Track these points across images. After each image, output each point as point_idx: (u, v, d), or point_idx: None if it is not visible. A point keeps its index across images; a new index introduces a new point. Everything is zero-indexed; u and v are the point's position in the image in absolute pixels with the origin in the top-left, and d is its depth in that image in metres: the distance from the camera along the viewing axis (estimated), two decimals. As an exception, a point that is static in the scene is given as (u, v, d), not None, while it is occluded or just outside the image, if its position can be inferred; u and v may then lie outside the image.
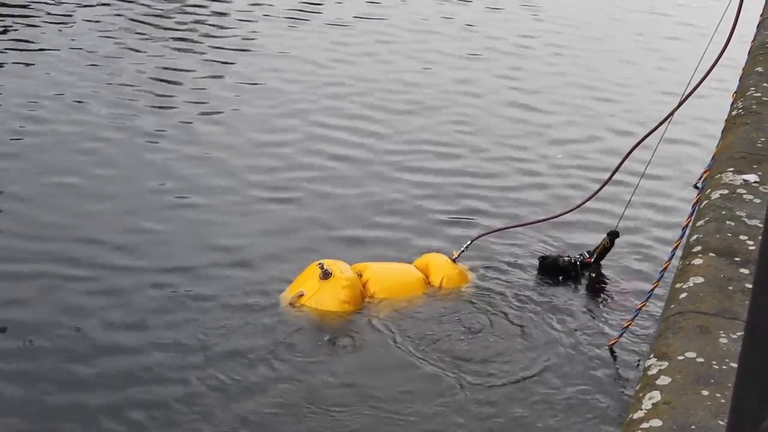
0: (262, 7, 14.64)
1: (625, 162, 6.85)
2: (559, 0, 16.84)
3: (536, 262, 7.47)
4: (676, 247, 5.58)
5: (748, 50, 6.51)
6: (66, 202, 8.13)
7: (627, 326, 6.37)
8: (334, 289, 6.65)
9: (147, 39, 12.70)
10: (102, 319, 6.61)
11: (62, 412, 5.66)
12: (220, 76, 11.56)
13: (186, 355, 6.24)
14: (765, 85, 5.42)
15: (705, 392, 2.70)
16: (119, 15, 13.59)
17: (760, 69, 5.80)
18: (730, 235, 3.62)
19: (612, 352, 6.41)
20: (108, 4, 13.97)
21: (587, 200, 7.30)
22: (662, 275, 5.91)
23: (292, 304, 6.65)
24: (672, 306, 3.23)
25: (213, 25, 13.64)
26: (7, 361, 6.03)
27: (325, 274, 6.66)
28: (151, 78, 11.17)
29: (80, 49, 12.01)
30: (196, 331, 6.49)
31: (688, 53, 10.94)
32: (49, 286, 6.82)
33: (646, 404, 2.71)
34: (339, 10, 15.04)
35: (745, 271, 3.28)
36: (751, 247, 3.46)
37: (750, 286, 1.84)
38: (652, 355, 2.96)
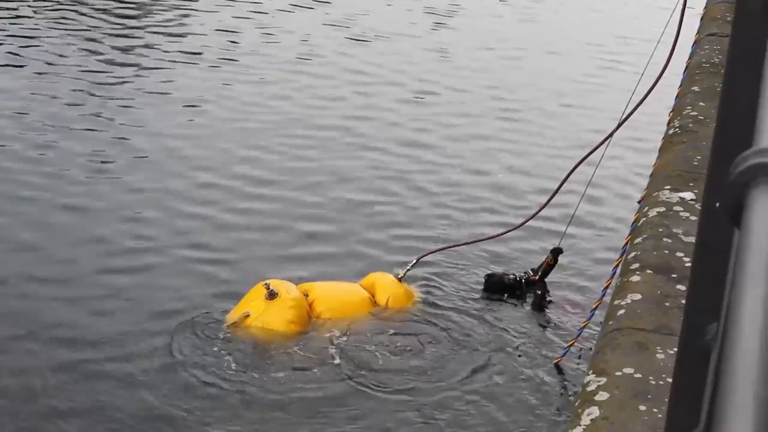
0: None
1: (567, 181, 6.90)
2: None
3: (482, 280, 7.45)
4: (617, 265, 5.65)
5: (683, 69, 6.61)
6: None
7: (570, 345, 6.46)
8: (280, 309, 6.66)
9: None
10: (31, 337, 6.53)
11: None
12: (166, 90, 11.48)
13: (126, 377, 6.18)
14: (701, 104, 5.51)
15: (642, 407, 2.76)
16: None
17: (696, 88, 5.89)
18: (667, 252, 3.69)
19: (557, 370, 6.45)
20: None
21: (531, 218, 7.43)
22: (604, 293, 5.99)
23: (236, 325, 6.61)
24: (610, 322, 3.28)
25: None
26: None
27: (271, 295, 6.67)
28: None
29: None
30: (139, 351, 6.43)
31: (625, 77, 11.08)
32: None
33: (585, 420, 2.75)
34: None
35: (682, 287, 3.34)
36: (687, 264, 3.52)
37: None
38: (590, 372, 3.00)
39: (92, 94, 11.27)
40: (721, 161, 1.61)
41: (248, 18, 15.19)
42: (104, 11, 14.42)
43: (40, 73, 11.70)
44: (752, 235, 1.07)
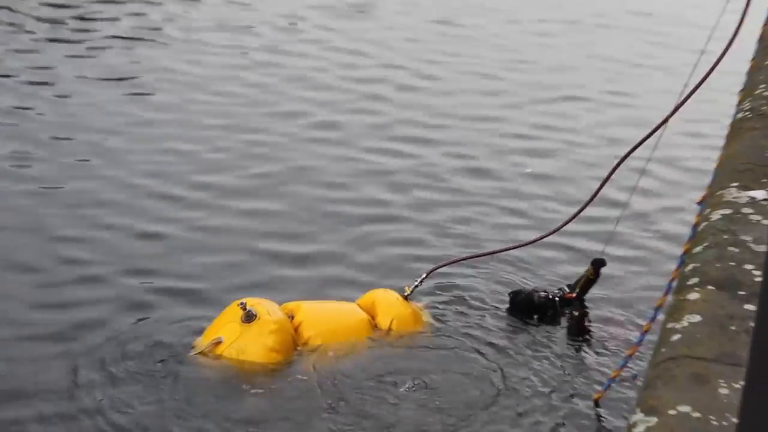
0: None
1: (613, 176, 6.94)
2: None
3: (506, 299, 7.51)
4: (672, 280, 5.65)
5: (758, 38, 6.64)
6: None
7: (614, 377, 6.42)
8: (259, 334, 6.70)
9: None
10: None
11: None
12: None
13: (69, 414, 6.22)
14: None
15: None
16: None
17: None
18: (732, 263, 3.68)
19: (596, 407, 6.47)
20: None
21: (567, 223, 7.42)
22: (656, 314, 5.99)
23: (204, 353, 6.66)
24: (663, 350, 3.29)
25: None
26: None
27: (249, 316, 6.67)
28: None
29: None
30: (87, 384, 6.50)
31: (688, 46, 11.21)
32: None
33: None
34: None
35: (750, 307, 3.34)
36: (757, 278, 3.53)
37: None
38: (638, 410, 3.01)
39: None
40: None
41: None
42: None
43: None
44: None
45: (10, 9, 13.53)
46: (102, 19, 13.68)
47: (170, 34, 13.50)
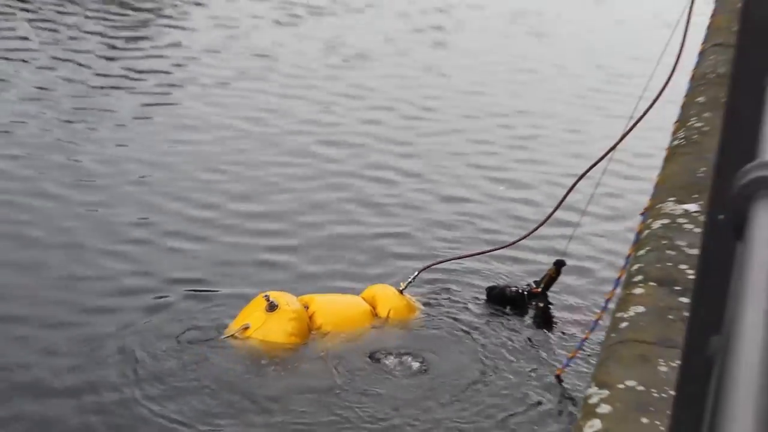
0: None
1: (571, 193, 6.94)
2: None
3: (483, 293, 7.49)
4: (620, 277, 5.66)
5: (690, 77, 6.65)
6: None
7: (572, 356, 6.49)
8: (280, 321, 6.72)
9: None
10: (42, 352, 6.53)
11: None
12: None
13: (128, 388, 6.22)
14: (706, 115, 5.54)
15: (644, 420, 2.79)
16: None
17: (701, 99, 5.92)
18: (670, 264, 3.72)
19: (559, 381, 6.48)
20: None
21: (533, 231, 7.49)
22: (606, 305, 6.02)
23: (234, 337, 6.65)
24: (613, 335, 3.32)
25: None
26: None
27: (271, 306, 6.71)
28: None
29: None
30: (138, 363, 6.48)
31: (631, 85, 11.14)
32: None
33: None
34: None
35: (685, 299, 3.36)
36: (690, 276, 3.54)
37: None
38: (593, 384, 3.03)
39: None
40: (725, 174, 1.62)
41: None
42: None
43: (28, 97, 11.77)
44: (754, 248, 1.09)
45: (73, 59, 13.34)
46: (152, 71, 13.45)
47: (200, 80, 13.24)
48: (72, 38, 14.16)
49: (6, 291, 7.58)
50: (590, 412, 2.93)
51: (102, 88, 12.33)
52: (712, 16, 7.93)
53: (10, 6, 14.75)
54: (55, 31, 14.39)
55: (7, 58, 12.85)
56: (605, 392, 2.98)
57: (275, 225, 8.97)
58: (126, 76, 12.84)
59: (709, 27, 7.69)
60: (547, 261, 7.97)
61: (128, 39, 14.63)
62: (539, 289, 7.67)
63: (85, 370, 6.59)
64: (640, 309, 3.47)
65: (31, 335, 6.95)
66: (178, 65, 13.53)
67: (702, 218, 4.03)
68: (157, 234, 8.58)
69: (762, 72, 1.54)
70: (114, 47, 14.10)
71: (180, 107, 12.04)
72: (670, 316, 3.38)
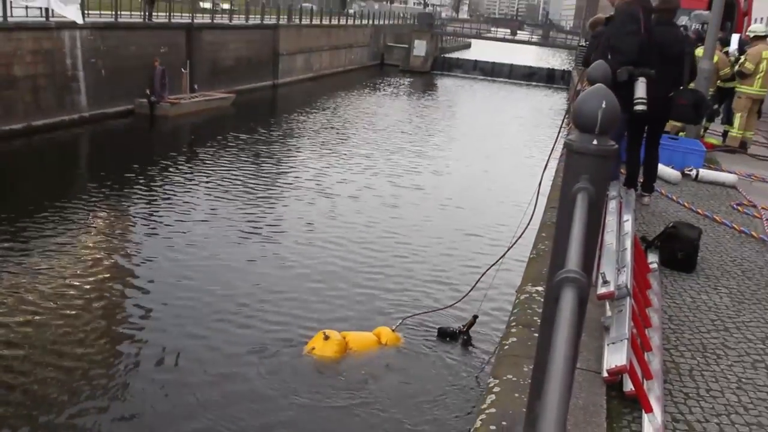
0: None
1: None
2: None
3: (437, 332, 7.66)
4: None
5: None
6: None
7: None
8: (332, 346, 7.12)
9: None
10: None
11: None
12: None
13: (217, 391, 6.22)
14: (548, 241, 5.41)
15: (516, 395, 2.80)
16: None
17: (544, 234, 5.86)
18: (529, 316, 3.77)
19: (477, 376, 6.66)
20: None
21: (461, 299, 7.54)
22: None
23: (308, 353, 6.60)
24: (500, 352, 3.38)
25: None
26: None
27: (326, 338, 6.89)
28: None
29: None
30: (229, 371, 6.42)
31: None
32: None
33: (488, 402, 2.78)
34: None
35: (536, 334, 3.33)
36: (538, 322, 3.50)
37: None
38: (490, 377, 3.04)
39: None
40: (552, 273, 1.75)
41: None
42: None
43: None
44: (561, 313, 1.23)
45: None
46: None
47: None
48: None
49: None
50: (489, 390, 2.94)
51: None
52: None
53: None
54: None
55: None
56: (497, 380, 3.00)
57: (322, 287, 9.52)
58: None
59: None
60: (470, 314, 8.08)
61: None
62: (464, 330, 7.66)
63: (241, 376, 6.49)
64: (515, 339, 3.49)
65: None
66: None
67: (544, 294, 4.06)
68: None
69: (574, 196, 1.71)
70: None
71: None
72: (529, 343, 3.40)
